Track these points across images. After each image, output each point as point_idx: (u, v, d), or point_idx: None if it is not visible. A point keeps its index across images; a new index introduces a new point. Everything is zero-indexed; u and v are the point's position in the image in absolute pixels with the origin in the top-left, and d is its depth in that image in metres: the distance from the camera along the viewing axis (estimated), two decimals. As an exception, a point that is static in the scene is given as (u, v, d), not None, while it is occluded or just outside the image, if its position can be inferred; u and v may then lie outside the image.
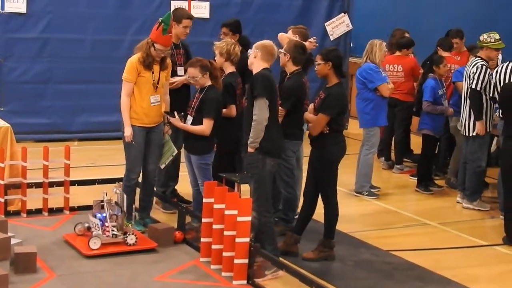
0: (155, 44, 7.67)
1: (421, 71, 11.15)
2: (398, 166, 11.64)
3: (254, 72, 7.12)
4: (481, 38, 9.61)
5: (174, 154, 8.08)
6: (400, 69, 11.47)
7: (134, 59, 7.76)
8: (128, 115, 7.75)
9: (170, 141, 8.09)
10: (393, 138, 11.78)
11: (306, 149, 7.94)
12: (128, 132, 7.72)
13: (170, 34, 7.75)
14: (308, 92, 8.12)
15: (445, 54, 11.14)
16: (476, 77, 9.42)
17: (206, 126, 7.70)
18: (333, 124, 7.36)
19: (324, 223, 7.61)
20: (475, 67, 9.49)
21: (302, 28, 8.81)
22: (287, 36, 8.64)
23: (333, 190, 7.56)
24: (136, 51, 7.83)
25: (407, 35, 11.94)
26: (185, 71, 8.16)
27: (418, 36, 11.92)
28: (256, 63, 7.10)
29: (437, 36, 11.72)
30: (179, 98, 8.36)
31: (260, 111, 6.86)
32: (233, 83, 8.08)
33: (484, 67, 9.44)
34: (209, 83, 7.80)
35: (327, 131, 7.36)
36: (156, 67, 7.79)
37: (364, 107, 10.05)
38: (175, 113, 7.90)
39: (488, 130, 9.56)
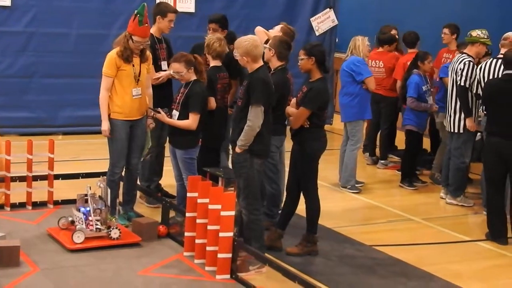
0: (133, 37, 7.65)
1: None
2: (382, 161, 11.68)
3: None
4: (474, 34, 9.60)
5: (149, 147, 8.14)
6: (381, 65, 11.51)
7: (113, 54, 7.74)
8: (106, 110, 7.73)
9: (149, 135, 8.09)
10: (378, 134, 11.82)
11: (288, 144, 7.95)
12: (105, 126, 7.71)
13: (147, 25, 7.68)
14: (292, 88, 8.13)
15: (411, 51, 11.22)
16: (464, 73, 9.44)
17: (192, 121, 7.70)
18: (314, 118, 7.38)
19: (306, 217, 7.63)
20: (462, 63, 9.50)
21: (291, 31, 8.77)
22: (264, 31, 8.68)
23: (314, 185, 7.57)
24: (114, 45, 7.80)
25: (394, 31, 11.95)
26: (169, 65, 8.16)
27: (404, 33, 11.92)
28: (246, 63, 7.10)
29: (423, 33, 11.74)
30: (162, 93, 8.35)
31: (255, 118, 6.83)
32: (212, 77, 8.09)
33: (471, 63, 9.47)
34: (194, 77, 7.81)
35: (308, 125, 7.37)
36: (136, 60, 7.76)
37: (350, 101, 10.07)
38: (159, 109, 7.89)
39: (473, 127, 9.61)
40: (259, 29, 8.83)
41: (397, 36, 11.91)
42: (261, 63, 7.04)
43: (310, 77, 7.55)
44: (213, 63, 8.23)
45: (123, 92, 7.74)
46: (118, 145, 7.84)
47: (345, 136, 10.29)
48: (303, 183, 7.55)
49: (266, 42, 8.04)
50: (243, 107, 6.96)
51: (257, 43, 7.02)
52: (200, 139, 7.93)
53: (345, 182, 10.15)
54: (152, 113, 7.93)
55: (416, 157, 10.72)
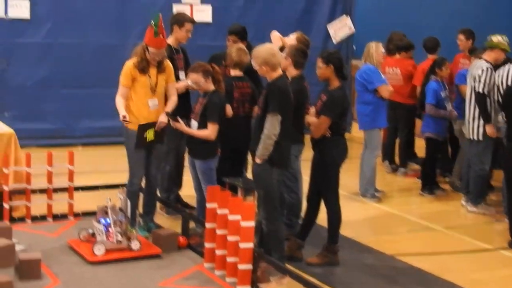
0: (149, 48, 7.67)
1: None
2: (402, 169, 11.63)
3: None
4: (494, 39, 9.55)
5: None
6: (398, 72, 11.48)
7: (129, 64, 7.76)
8: (123, 106, 7.69)
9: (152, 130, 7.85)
10: (397, 141, 11.78)
11: (307, 152, 7.92)
12: (122, 113, 7.62)
13: (161, 36, 7.63)
14: (309, 96, 8.12)
15: (431, 57, 11.19)
16: (482, 79, 9.39)
17: (211, 131, 7.69)
18: (334, 127, 7.36)
19: (327, 227, 7.60)
20: (480, 69, 9.45)
21: (306, 41, 8.75)
22: (279, 36, 8.67)
23: (335, 194, 7.55)
24: (133, 55, 7.81)
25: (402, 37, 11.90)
26: (187, 75, 8.16)
27: (420, 38, 11.86)
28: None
29: (439, 38, 11.67)
30: (180, 103, 8.32)
31: (272, 127, 6.80)
32: (228, 86, 8.07)
33: (489, 69, 9.41)
34: (212, 87, 7.80)
35: (330, 134, 7.36)
36: (153, 71, 7.76)
37: (364, 110, 10.07)
38: (178, 117, 7.88)
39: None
40: (275, 34, 8.82)
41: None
42: (280, 72, 7.02)
43: (328, 85, 7.53)
44: (232, 72, 8.24)
45: (139, 102, 7.75)
46: (135, 155, 7.84)
47: (364, 144, 10.27)
48: (324, 192, 7.53)
49: (281, 50, 8.03)
50: (261, 116, 6.93)
51: (274, 51, 7.00)
52: (219, 149, 7.94)
53: (364, 191, 10.12)
54: (169, 120, 7.87)
55: (435, 165, 10.66)
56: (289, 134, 7.02)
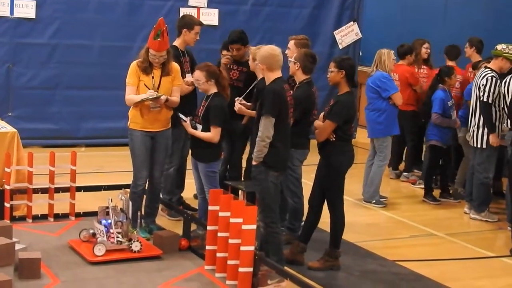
0: (149, 50, 7.69)
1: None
2: (405, 173, 11.60)
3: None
4: (499, 47, 9.53)
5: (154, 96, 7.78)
6: (397, 77, 11.43)
7: (134, 63, 7.81)
8: (137, 97, 7.71)
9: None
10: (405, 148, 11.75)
11: (313, 157, 7.89)
12: (149, 92, 7.67)
13: (160, 39, 7.61)
14: (316, 102, 8.09)
15: (450, 63, 11.11)
16: (487, 89, 9.36)
17: (214, 134, 7.67)
18: (340, 132, 7.33)
19: (330, 232, 7.57)
20: (484, 78, 9.42)
21: (304, 39, 8.74)
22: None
23: (340, 200, 7.52)
24: (139, 56, 7.85)
25: (426, 45, 11.80)
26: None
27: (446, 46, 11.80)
28: (266, 74, 7.03)
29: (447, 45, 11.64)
30: (186, 102, 8.30)
31: (265, 129, 6.80)
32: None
33: (494, 78, 9.38)
34: (213, 90, 7.77)
35: (333, 139, 7.33)
36: (156, 72, 7.77)
37: (377, 117, 10.02)
38: (187, 117, 7.85)
39: (497, 142, 9.52)
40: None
41: (429, 50, 11.79)
42: (278, 74, 6.99)
43: (337, 90, 7.51)
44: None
45: (141, 103, 7.74)
46: (137, 156, 7.84)
47: (372, 151, 10.24)
48: (329, 198, 7.50)
49: None
50: (258, 120, 6.95)
51: (276, 52, 6.99)
52: (222, 152, 7.91)
53: (369, 197, 10.08)
54: (179, 118, 7.87)
55: (435, 171, 10.63)
56: (286, 137, 7.00)
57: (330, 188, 7.47)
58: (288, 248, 7.62)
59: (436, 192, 10.59)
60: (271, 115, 6.79)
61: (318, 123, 7.58)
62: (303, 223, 8.04)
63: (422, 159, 11.77)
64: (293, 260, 7.49)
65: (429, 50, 11.77)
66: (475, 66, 10.75)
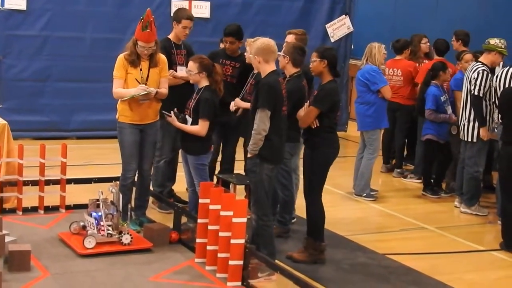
0: (138, 42, 7.66)
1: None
2: (398, 170, 11.60)
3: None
4: (492, 42, 9.51)
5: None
6: (399, 73, 11.41)
7: (121, 56, 7.78)
8: (126, 92, 7.68)
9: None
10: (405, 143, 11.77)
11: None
12: (140, 88, 7.63)
13: (149, 30, 7.59)
14: (306, 95, 8.08)
15: (439, 58, 11.14)
16: (478, 82, 9.37)
17: (201, 127, 7.66)
18: (325, 120, 7.31)
19: (310, 224, 7.52)
20: (476, 72, 9.43)
21: (303, 34, 8.73)
22: None
23: (319, 190, 7.47)
24: (125, 49, 7.81)
25: (425, 40, 11.82)
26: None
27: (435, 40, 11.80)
28: (263, 67, 7.03)
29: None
30: (181, 94, 8.25)
31: (260, 122, 6.80)
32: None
33: (485, 72, 9.39)
34: (204, 83, 7.75)
35: (316, 126, 7.30)
36: (144, 64, 7.75)
37: (366, 110, 10.02)
38: (172, 111, 7.81)
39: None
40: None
41: (428, 44, 11.80)
42: (273, 67, 6.99)
43: (321, 80, 7.50)
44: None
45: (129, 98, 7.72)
46: (126, 149, 7.82)
47: (361, 144, 10.23)
48: (308, 188, 7.46)
49: None
50: (253, 113, 6.95)
51: (271, 44, 7.00)
52: (212, 145, 7.90)
53: (360, 191, 10.08)
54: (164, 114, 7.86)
55: (432, 165, 10.64)
56: (281, 130, 6.99)
57: (312, 179, 7.43)
58: (279, 241, 7.59)
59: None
60: (267, 108, 6.80)
61: (302, 111, 7.55)
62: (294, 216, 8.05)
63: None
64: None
65: (428, 44, 11.81)
66: (458, 57, 10.77)
